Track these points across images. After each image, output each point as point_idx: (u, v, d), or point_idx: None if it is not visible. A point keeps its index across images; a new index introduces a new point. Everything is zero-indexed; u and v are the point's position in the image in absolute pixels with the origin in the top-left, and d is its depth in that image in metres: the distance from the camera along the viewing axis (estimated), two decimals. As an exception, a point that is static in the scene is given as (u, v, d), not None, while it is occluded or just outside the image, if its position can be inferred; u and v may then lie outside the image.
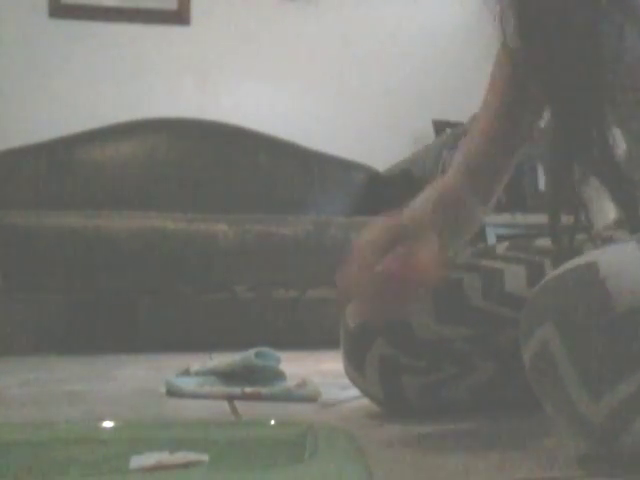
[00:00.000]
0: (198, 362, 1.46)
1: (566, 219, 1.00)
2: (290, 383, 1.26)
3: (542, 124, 1.01)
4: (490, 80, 1.05)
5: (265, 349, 1.33)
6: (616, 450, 0.68)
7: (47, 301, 2.36)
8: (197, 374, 1.37)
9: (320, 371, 1.65)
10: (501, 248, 1.06)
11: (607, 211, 0.96)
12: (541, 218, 1.07)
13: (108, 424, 0.87)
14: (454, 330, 0.98)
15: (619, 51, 0.85)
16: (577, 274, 0.68)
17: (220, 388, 1.28)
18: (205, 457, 0.67)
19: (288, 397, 1.20)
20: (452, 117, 3.00)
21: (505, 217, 2.80)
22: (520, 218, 2.77)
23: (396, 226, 0.87)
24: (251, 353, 1.31)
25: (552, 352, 0.68)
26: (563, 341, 0.67)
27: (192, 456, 0.67)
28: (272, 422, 0.82)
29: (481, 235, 2.73)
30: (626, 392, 0.64)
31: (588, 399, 0.66)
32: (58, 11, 2.97)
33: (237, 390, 1.24)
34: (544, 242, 1.05)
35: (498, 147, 1.04)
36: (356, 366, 1.03)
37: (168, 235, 2.24)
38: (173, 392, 1.29)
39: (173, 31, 3.07)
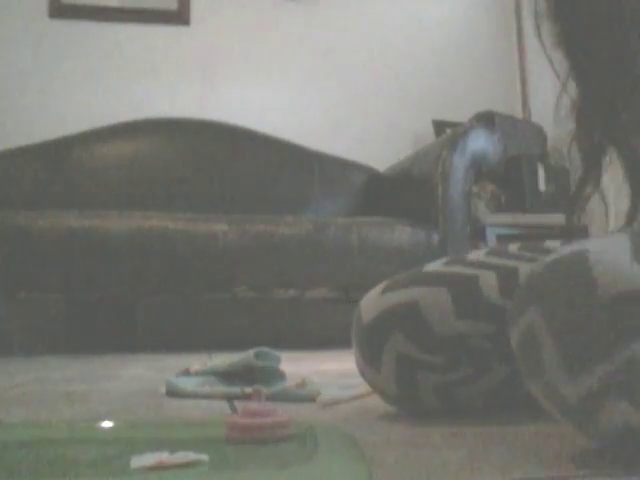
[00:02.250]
0: (198, 362, 1.46)
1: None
2: (290, 383, 1.26)
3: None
4: None
5: (265, 349, 1.33)
6: (591, 431, 0.70)
7: (47, 301, 2.36)
8: (197, 374, 1.36)
9: (320, 371, 1.65)
10: (513, 248, 1.06)
11: (617, 216, 0.96)
12: (541, 218, 1.07)
13: (108, 424, 0.87)
14: (473, 326, 0.98)
15: None
16: (566, 261, 0.71)
17: (220, 388, 1.28)
18: (205, 457, 0.67)
19: (288, 397, 1.20)
20: (452, 117, 3.00)
21: (505, 217, 2.80)
22: (520, 218, 2.77)
23: None
24: (251, 353, 1.30)
25: (536, 334, 0.70)
26: (547, 324, 0.69)
27: (192, 456, 0.67)
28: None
29: (481, 235, 2.73)
30: (601, 374, 0.66)
31: (566, 380, 0.68)
32: (58, 11, 2.97)
33: (237, 390, 1.24)
34: (554, 243, 1.05)
35: None
36: (370, 361, 1.02)
37: (168, 235, 2.24)
38: (173, 392, 1.29)
39: (173, 31, 3.07)
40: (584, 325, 0.67)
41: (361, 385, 1.25)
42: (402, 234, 2.37)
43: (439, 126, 3.04)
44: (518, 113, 3.22)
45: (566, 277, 0.70)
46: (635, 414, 0.67)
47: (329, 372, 1.64)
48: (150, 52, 3.04)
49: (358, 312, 1.05)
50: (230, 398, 1.22)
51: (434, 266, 1.05)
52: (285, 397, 1.20)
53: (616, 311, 0.66)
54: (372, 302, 1.03)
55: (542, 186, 2.91)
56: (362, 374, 1.06)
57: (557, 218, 2.56)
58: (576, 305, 0.68)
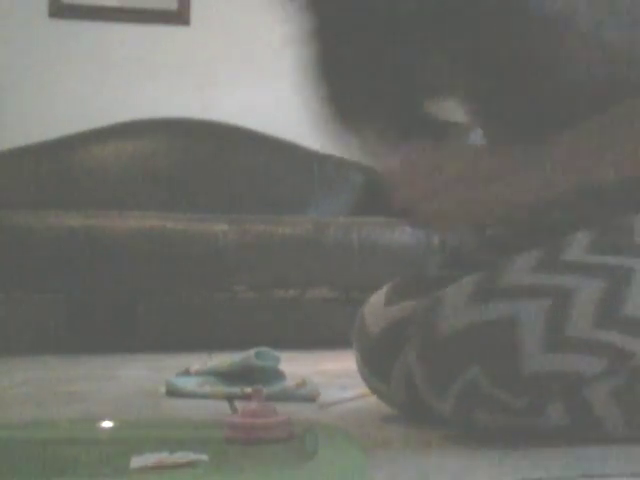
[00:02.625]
0: (198, 362, 1.46)
1: None
2: (290, 383, 1.26)
3: None
4: None
5: (265, 349, 1.33)
6: (472, 429, 0.87)
7: (47, 301, 2.35)
8: (197, 374, 1.37)
9: (320, 371, 1.65)
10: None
11: None
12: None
13: (108, 424, 0.87)
14: None
15: None
16: (425, 304, 0.88)
17: (220, 388, 1.28)
18: (205, 457, 0.67)
19: (288, 397, 1.20)
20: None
21: (505, 217, 2.80)
22: (520, 218, 2.77)
23: None
24: (251, 353, 1.31)
25: (409, 360, 0.89)
26: (415, 353, 0.87)
27: (192, 456, 0.67)
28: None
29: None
30: (455, 393, 0.83)
31: (435, 396, 0.86)
32: (58, 11, 2.97)
33: (237, 390, 1.24)
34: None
35: None
36: (378, 374, 1.00)
37: (168, 235, 2.24)
38: (173, 392, 1.29)
39: (173, 31, 3.07)
40: (431, 358, 0.85)
41: (361, 385, 1.25)
42: (402, 234, 2.37)
43: (439, 126, 3.03)
44: (518, 113, 3.22)
45: (421, 318, 0.87)
46: (495, 416, 0.83)
47: (329, 372, 1.64)
48: (150, 52, 3.03)
49: (362, 321, 1.01)
50: (230, 398, 1.22)
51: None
52: (285, 397, 1.20)
53: (452, 347, 0.82)
54: (378, 313, 1.00)
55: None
56: (365, 380, 1.04)
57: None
58: (424, 343, 0.85)
